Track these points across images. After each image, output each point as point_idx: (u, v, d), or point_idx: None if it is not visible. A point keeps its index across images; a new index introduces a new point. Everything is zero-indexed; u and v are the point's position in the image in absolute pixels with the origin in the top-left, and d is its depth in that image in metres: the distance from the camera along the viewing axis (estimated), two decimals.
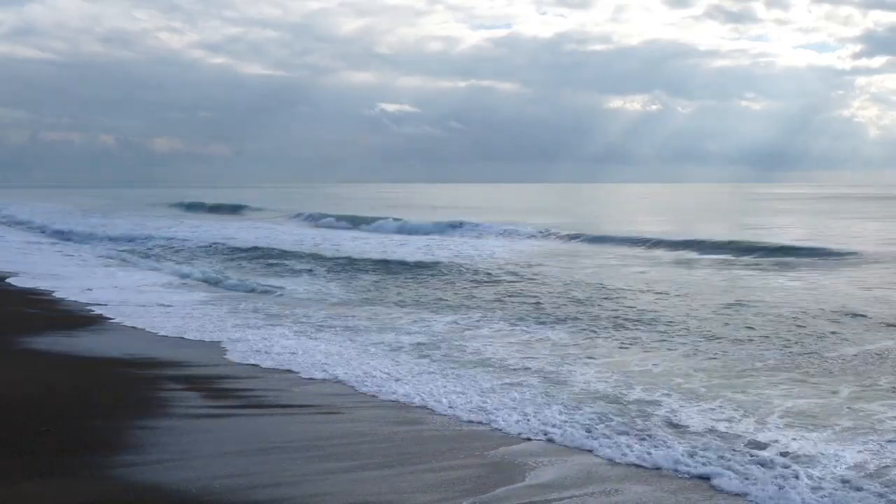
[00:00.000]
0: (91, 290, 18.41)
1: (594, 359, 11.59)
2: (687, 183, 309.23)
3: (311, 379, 10.59)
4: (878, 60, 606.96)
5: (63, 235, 37.94)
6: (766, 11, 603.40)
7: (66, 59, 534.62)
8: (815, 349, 11.89)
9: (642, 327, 13.88)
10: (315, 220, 50.52)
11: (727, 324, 14.09)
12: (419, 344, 12.68)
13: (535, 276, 21.36)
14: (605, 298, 17.10)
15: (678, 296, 17.54)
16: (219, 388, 9.97)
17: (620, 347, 12.40)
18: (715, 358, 11.52)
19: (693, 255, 26.93)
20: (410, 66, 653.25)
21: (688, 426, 8.37)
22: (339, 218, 49.10)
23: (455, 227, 40.16)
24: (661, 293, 17.92)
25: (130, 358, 11.52)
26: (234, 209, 66.75)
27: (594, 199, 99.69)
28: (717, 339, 12.83)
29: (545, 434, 8.20)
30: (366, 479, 6.95)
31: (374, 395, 9.81)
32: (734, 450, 7.61)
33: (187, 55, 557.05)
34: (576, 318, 14.74)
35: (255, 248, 29.77)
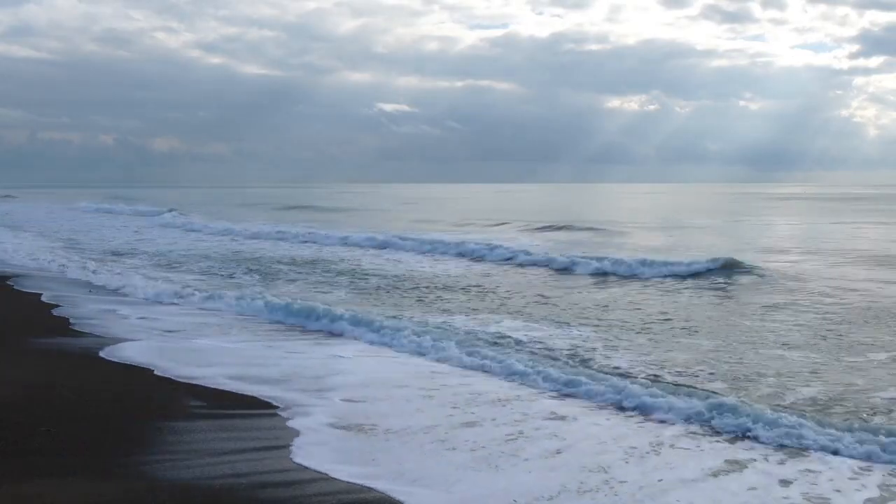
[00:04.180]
0: None
1: None
2: (685, 183, 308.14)
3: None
4: (876, 60, 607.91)
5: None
6: (762, 11, 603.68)
7: (62, 58, 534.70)
8: None
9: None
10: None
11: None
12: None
13: None
14: None
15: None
16: (221, 388, 9.96)
17: None
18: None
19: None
20: (408, 65, 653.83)
21: None
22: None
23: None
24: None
25: (130, 360, 11.49)
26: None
27: (594, 200, 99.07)
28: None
29: None
30: (369, 477, 6.93)
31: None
32: None
33: (184, 55, 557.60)
34: None
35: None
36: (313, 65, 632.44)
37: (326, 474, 6.98)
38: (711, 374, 10.62)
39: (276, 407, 9.11)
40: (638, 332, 13.56)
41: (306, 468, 7.16)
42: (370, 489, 6.66)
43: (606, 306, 16.58)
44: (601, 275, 21.05)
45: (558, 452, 7.72)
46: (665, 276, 20.10)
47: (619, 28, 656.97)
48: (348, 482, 6.80)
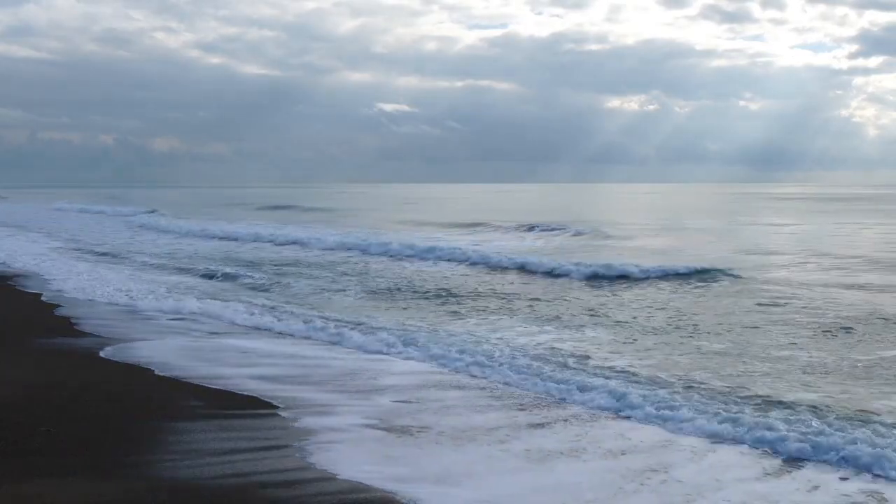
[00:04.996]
0: None
1: None
2: (685, 183, 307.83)
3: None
4: (875, 60, 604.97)
5: None
6: (761, 11, 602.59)
7: (62, 58, 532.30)
8: None
9: None
10: None
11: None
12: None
13: None
14: None
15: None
16: (221, 388, 9.79)
17: None
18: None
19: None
20: (407, 65, 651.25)
21: None
22: None
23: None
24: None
25: (131, 360, 11.31)
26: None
27: (593, 201, 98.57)
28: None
29: None
30: (370, 474, 6.79)
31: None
32: None
33: (184, 55, 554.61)
34: None
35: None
36: (313, 65, 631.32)
37: (334, 475, 6.82)
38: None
39: (277, 407, 8.96)
40: (645, 336, 13.31)
41: (309, 468, 7.03)
42: (373, 488, 6.51)
43: (622, 306, 16.23)
44: (595, 278, 20.22)
45: (623, 453, 7.54)
46: (664, 278, 19.54)
47: (619, 28, 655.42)
48: (352, 482, 6.66)
